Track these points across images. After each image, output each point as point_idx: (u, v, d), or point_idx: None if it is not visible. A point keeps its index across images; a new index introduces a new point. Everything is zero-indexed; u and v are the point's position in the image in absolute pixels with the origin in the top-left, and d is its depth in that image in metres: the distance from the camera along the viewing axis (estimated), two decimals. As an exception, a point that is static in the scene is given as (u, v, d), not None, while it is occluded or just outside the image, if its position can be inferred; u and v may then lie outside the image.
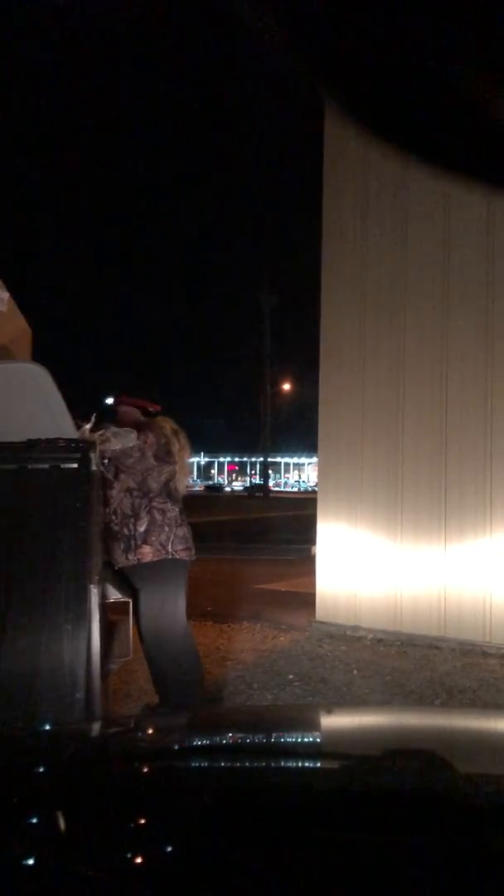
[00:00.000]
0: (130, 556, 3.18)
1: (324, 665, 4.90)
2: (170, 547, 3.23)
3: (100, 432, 3.05)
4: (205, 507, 19.67)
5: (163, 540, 3.22)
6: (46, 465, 2.60)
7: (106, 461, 3.09)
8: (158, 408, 3.49)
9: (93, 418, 3.03)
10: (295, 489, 57.27)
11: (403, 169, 5.27)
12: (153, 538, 3.21)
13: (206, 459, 71.21)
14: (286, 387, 41.50)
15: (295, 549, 10.46)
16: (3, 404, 2.71)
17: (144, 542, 3.20)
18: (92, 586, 2.54)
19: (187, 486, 3.47)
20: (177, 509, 3.32)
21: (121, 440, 3.13)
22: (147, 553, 3.20)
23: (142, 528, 3.21)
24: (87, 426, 3.02)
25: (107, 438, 3.06)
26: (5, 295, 3.37)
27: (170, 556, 3.22)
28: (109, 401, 3.20)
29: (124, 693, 4.02)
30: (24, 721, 2.36)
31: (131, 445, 3.17)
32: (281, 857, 0.75)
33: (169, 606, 3.22)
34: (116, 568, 3.21)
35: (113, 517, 3.19)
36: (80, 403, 3.36)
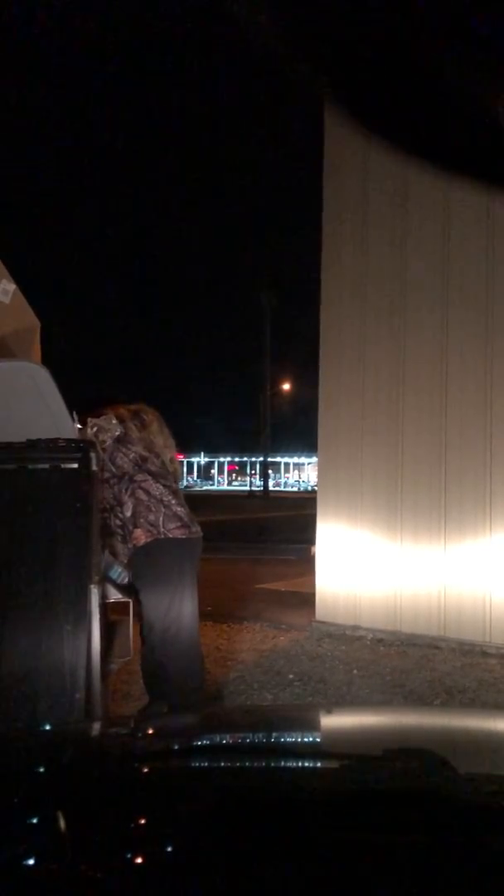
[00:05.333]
0: (129, 545, 3.15)
1: (324, 665, 4.90)
2: (161, 526, 3.14)
3: (91, 429, 3.05)
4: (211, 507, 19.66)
5: (152, 520, 3.13)
6: (46, 465, 2.60)
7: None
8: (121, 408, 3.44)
9: (75, 419, 3.02)
10: (295, 489, 57.25)
11: (403, 168, 5.28)
12: (142, 519, 3.13)
13: (207, 459, 71.17)
14: (286, 387, 41.47)
15: (295, 549, 10.46)
16: (2, 404, 2.70)
17: (135, 525, 3.13)
18: (92, 586, 2.53)
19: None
20: (162, 487, 3.22)
21: (109, 428, 3.12)
22: (140, 536, 3.12)
23: (129, 513, 3.15)
24: (88, 428, 3.02)
25: (100, 429, 3.06)
26: (11, 287, 3.36)
27: (162, 536, 3.13)
28: (78, 426, 3.16)
29: (124, 693, 4.02)
30: (24, 721, 2.36)
31: (118, 432, 3.15)
32: (281, 857, 0.75)
33: (175, 605, 3.14)
34: (125, 562, 3.18)
35: (104, 514, 3.17)
36: (79, 403, 3.36)
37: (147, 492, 3.18)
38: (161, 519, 3.15)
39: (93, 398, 3.50)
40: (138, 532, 3.14)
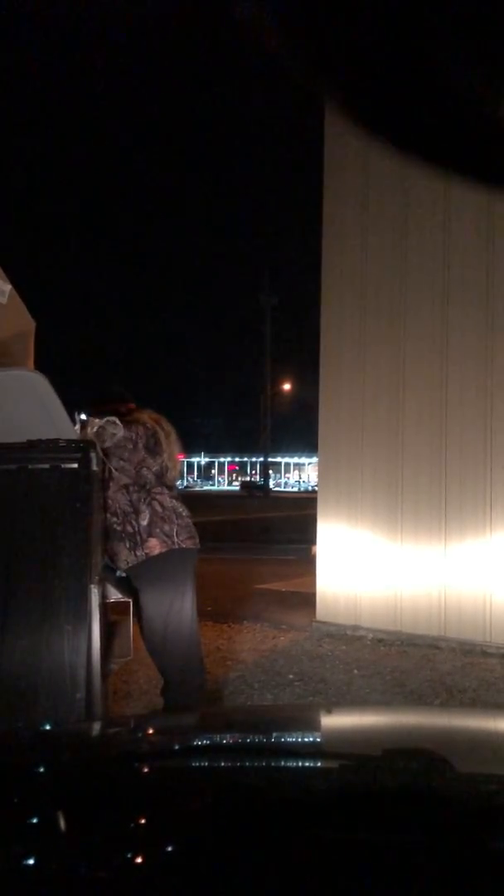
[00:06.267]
0: (139, 553, 3.16)
1: (324, 665, 4.90)
2: (176, 537, 3.20)
3: (93, 430, 3.04)
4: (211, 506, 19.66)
5: (167, 531, 3.19)
6: (46, 465, 2.60)
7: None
8: (132, 406, 3.45)
9: (77, 422, 3.01)
10: (295, 489, 57.24)
11: (403, 168, 5.28)
12: (158, 530, 3.18)
13: (207, 459, 71.19)
14: (286, 387, 41.47)
15: (295, 549, 10.46)
16: (2, 412, 2.71)
17: (150, 535, 3.17)
18: (92, 586, 2.53)
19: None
20: (174, 500, 3.29)
21: (112, 430, 3.13)
22: (155, 546, 3.17)
23: (145, 522, 3.18)
24: (88, 428, 3.02)
25: (102, 430, 3.06)
26: (7, 287, 3.35)
27: (177, 547, 3.19)
28: (83, 416, 3.16)
29: (124, 693, 4.03)
30: (24, 721, 2.36)
31: (121, 435, 3.16)
32: (281, 857, 0.75)
33: (177, 604, 3.18)
34: (124, 568, 3.19)
35: (113, 518, 3.17)
36: (79, 404, 3.36)
37: (162, 504, 3.23)
38: (175, 530, 3.21)
39: (106, 393, 3.50)
40: (153, 542, 3.17)
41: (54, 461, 2.61)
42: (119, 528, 3.17)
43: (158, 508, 3.22)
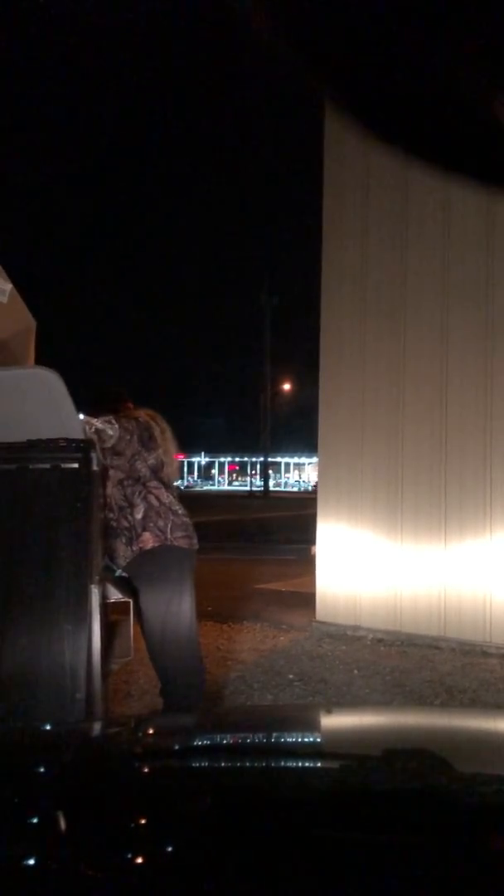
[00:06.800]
0: (134, 547, 3.16)
1: (324, 665, 4.91)
2: (169, 533, 3.20)
3: (91, 431, 3.05)
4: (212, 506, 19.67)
5: (161, 526, 3.19)
6: (47, 465, 2.60)
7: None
8: (130, 405, 3.46)
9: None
10: (295, 489, 57.19)
11: (403, 168, 5.28)
12: (151, 524, 3.18)
13: (207, 459, 71.14)
14: (286, 387, 41.52)
15: (295, 549, 10.46)
16: (14, 408, 2.71)
17: (144, 528, 3.17)
18: (92, 586, 2.53)
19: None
20: (171, 496, 3.29)
21: (110, 431, 3.13)
22: (148, 539, 3.17)
23: (139, 516, 3.19)
24: (85, 427, 3.02)
25: (102, 431, 3.07)
26: (8, 286, 3.35)
27: (169, 543, 3.19)
28: (80, 416, 3.18)
29: (124, 693, 4.03)
30: (24, 721, 2.36)
31: (116, 436, 3.17)
32: (281, 857, 0.75)
33: (175, 605, 3.18)
34: (122, 565, 3.20)
35: (110, 514, 3.17)
36: (78, 403, 3.35)
37: (158, 499, 3.23)
38: (169, 526, 3.21)
39: (104, 392, 3.51)
40: (147, 535, 3.17)
41: (54, 461, 2.60)
42: (115, 524, 3.18)
43: (155, 503, 3.21)
